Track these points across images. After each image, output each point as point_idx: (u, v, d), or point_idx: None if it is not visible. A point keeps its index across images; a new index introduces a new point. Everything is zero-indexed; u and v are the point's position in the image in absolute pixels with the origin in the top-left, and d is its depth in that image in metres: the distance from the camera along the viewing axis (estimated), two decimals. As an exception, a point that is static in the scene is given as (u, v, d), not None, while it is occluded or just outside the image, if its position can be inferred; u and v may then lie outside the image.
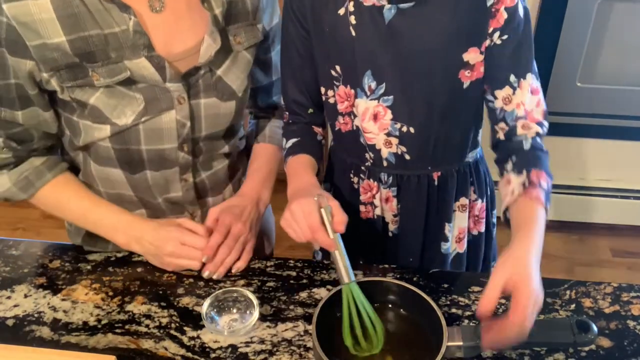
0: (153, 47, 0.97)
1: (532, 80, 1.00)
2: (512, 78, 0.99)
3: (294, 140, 1.15)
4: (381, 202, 1.17)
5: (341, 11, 1.01)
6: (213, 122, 1.09)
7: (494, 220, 1.25)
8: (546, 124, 1.03)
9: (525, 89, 1.00)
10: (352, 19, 1.00)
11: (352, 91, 1.06)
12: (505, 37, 0.97)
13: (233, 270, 1.07)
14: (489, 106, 1.05)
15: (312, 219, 0.91)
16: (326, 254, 1.27)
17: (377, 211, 1.18)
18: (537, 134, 1.01)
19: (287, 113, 1.18)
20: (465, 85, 1.02)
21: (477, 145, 1.16)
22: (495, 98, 1.02)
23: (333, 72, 1.06)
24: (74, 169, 1.14)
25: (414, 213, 1.16)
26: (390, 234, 1.20)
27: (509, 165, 0.99)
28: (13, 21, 0.90)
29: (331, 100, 1.11)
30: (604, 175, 2.50)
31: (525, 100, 1.00)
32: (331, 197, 0.96)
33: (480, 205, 1.20)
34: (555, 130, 2.35)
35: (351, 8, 1.00)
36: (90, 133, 1.02)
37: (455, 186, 1.15)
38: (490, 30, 0.97)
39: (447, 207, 1.16)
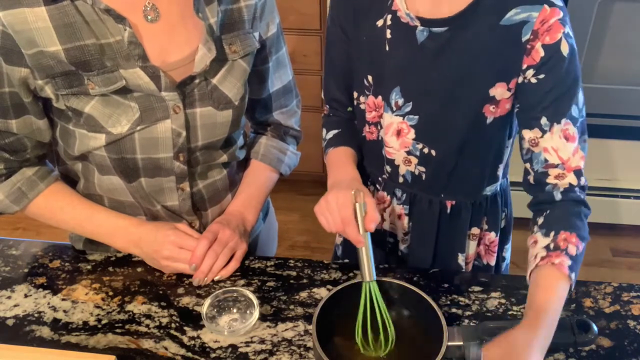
0: (147, 58, 0.97)
1: (568, 127, 0.92)
2: (544, 121, 0.92)
3: (334, 131, 1.13)
4: (393, 218, 1.16)
5: (379, 22, 0.99)
6: (209, 132, 1.07)
7: (505, 254, 1.23)
8: (583, 176, 0.95)
9: (556, 134, 0.92)
10: (388, 33, 0.98)
11: (382, 102, 1.04)
12: (541, 76, 0.91)
13: (215, 278, 1.06)
14: (520, 143, 0.99)
15: (346, 211, 0.91)
16: (347, 250, 1.27)
17: (386, 225, 1.17)
18: (572, 186, 0.93)
19: (327, 106, 1.17)
20: (488, 121, 0.99)
21: (497, 180, 1.11)
22: (523, 138, 0.96)
23: (365, 82, 1.05)
24: (70, 181, 1.13)
25: (424, 236, 1.14)
26: (399, 253, 1.19)
27: (540, 220, 0.93)
28: (9, 29, 0.89)
29: (362, 107, 1.09)
30: (604, 175, 2.50)
31: (556, 146, 0.93)
32: (369, 193, 0.94)
33: (492, 237, 1.16)
34: (555, 130, 2.37)
35: (389, 21, 0.98)
36: (85, 142, 1.00)
37: (469, 218, 1.12)
38: (524, 67, 0.91)
39: (460, 237, 1.14)
